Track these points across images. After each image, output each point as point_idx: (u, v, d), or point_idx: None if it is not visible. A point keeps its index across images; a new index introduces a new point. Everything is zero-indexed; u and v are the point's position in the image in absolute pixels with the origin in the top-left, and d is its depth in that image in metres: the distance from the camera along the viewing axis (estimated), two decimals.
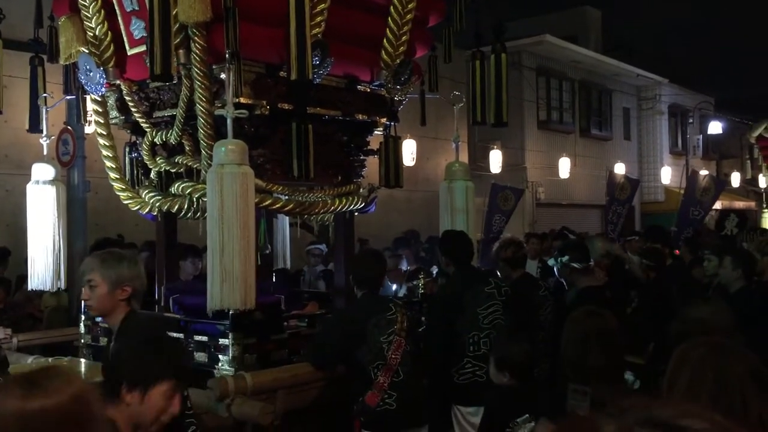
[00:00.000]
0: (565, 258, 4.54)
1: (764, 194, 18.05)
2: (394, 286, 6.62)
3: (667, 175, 20.56)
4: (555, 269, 4.81)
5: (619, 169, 16.35)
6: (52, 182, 4.54)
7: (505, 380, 3.30)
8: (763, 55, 27.04)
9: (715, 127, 22.02)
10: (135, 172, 4.50)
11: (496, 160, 14.36)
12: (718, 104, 24.86)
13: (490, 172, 14.17)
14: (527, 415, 3.03)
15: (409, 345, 3.81)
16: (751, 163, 19.16)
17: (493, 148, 14.55)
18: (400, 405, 3.72)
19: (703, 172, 13.49)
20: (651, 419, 0.72)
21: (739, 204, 23.10)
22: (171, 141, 4.12)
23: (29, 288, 4.71)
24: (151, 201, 4.21)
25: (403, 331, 3.80)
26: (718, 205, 21.41)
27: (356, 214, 4.71)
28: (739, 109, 23.91)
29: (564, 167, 16.40)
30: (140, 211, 4.38)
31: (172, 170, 4.20)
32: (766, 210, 17.63)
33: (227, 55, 3.51)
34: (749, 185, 21.86)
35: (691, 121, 23.29)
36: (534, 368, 3.37)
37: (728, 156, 25.82)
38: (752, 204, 22.70)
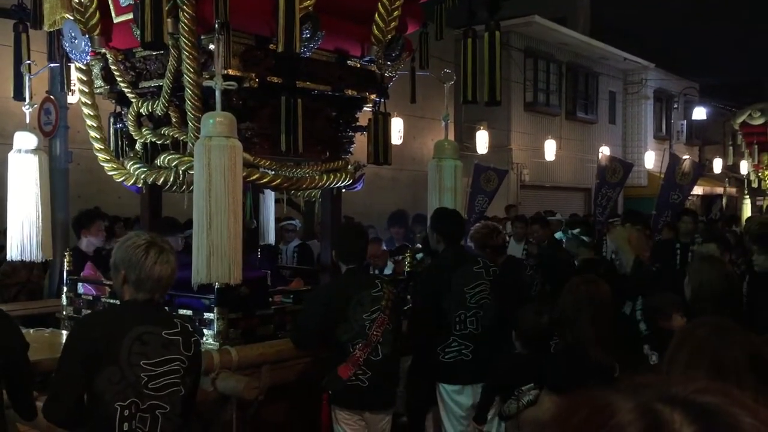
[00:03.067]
0: (576, 230, 4.82)
1: (746, 181, 18.20)
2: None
3: (650, 159, 20.70)
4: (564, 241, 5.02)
5: (605, 152, 16.40)
6: (35, 151, 4.46)
7: (520, 348, 3.43)
8: (747, 42, 27.16)
9: (699, 113, 22.14)
10: (120, 143, 4.42)
11: (482, 141, 14.35)
12: (702, 90, 24.98)
13: (476, 152, 14.17)
14: (532, 384, 3.12)
15: (391, 323, 3.79)
16: (734, 149, 19.29)
17: (479, 129, 14.53)
18: (372, 384, 3.69)
19: (684, 157, 13.56)
20: (671, 396, 0.70)
21: (720, 190, 23.33)
22: (157, 112, 4.05)
23: (8, 258, 4.63)
24: (136, 173, 4.15)
25: (388, 309, 3.78)
26: (700, 191, 21.65)
27: (343, 191, 4.68)
28: (724, 96, 24.06)
29: (549, 149, 16.44)
30: (125, 183, 4.32)
31: (158, 142, 4.13)
32: (746, 196, 17.78)
33: (216, 26, 3.44)
34: (731, 172, 22.05)
35: (675, 106, 23.42)
36: (547, 341, 3.43)
37: (711, 142, 26.02)
38: (733, 190, 22.92)
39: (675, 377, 0.75)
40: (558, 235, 4.96)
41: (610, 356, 2.97)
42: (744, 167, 18.54)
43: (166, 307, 3.73)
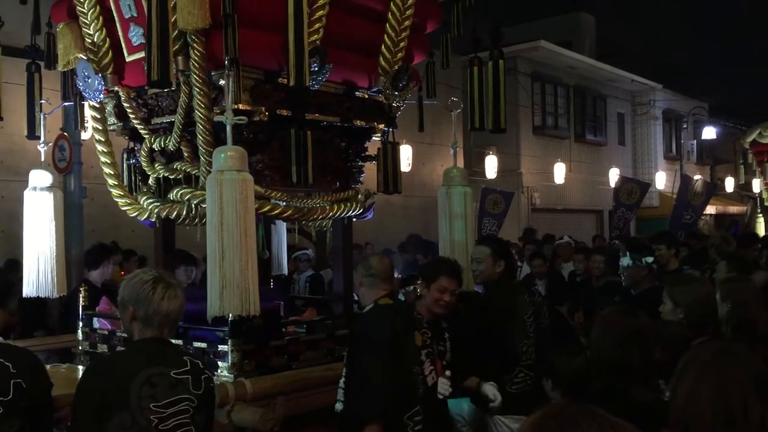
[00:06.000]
0: (651, 258, 4.54)
1: (758, 199, 18.10)
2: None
3: (661, 180, 20.67)
4: (623, 266, 4.74)
5: (615, 174, 16.41)
6: (50, 189, 4.53)
7: (554, 394, 3.08)
8: (756, 60, 27.22)
9: (709, 133, 22.14)
10: (133, 178, 4.49)
11: (491, 166, 14.41)
12: (712, 110, 24.99)
13: (485, 177, 14.22)
14: None
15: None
16: (745, 168, 19.25)
17: (488, 154, 14.60)
18: None
19: (696, 177, 13.54)
20: None
21: (733, 209, 23.23)
22: (169, 147, 4.11)
23: (24, 295, 4.68)
24: (150, 207, 4.21)
25: None
26: (713, 210, 21.54)
27: (354, 220, 4.71)
28: (733, 115, 24.05)
29: (559, 172, 16.48)
30: (138, 218, 4.37)
31: (171, 176, 4.19)
32: (760, 215, 17.68)
33: (226, 62, 3.51)
34: (743, 190, 21.96)
35: (685, 126, 23.43)
36: (586, 383, 3.06)
37: (722, 161, 25.96)
38: (744, 209, 22.79)
39: None
40: (625, 261, 4.62)
41: (656, 392, 2.72)
42: (756, 185, 18.46)
43: (180, 341, 3.77)
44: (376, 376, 3.31)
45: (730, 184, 22.44)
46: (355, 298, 4.41)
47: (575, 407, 1.29)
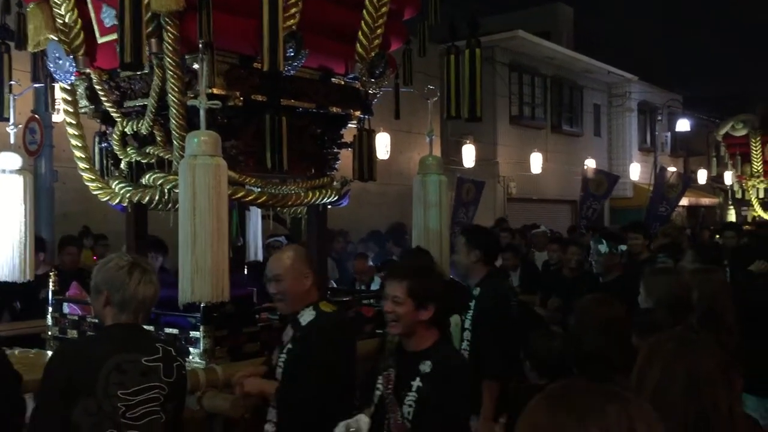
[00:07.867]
0: (624, 246, 4.63)
1: (730, 191, 18.37)
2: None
3: (635, 171, 20.87)
4: (599, 253, 4.87)
5: (590, 165, 16.53)
6: (20, 172, 4.44)
7: (532, 375, 3.14)
8: (730, 54, 27.57)
9: (683, 125, 22.36)
10: (105, 162, 4.42)
11: (468, 155, 14.43)
12: (686, 102, 25.27)
13: (462, 166, 14.24)
14: None
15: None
16: (718, 160, 19.46)
17: (465, 143, 14.62)
18: None
19: (671, 169, 13.72)
20: None
21: (706, 201, 23.56)
22: (142, 131, 4.06)
23: None
24: (121, 192, 4.15)
25: None
26: (685, 202, 21.81)
27: (329, 207, 4.70)
28: (707, 108, 24.33)
29: (535, 162, 16.56)
30: (110, 202, 4.31)
31: (143, 161, 4.14)
32: (731, 207, 17.97)
33: (200, 45, 3.47)
34: (715, 182, 22.25)
35: (659, 118, 23.65)
36: (564, 367, 3.09)
37: (695, 153, 26.29)
38: (716, 201, 23.13)
39: None
40: (603, 248, 4.73)
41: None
42: (728, 178, 18.71)
43: (152, 327, 3.74)
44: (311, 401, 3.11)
45: (702, 176, 22.71)
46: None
47: (584, 383, 1.22)
